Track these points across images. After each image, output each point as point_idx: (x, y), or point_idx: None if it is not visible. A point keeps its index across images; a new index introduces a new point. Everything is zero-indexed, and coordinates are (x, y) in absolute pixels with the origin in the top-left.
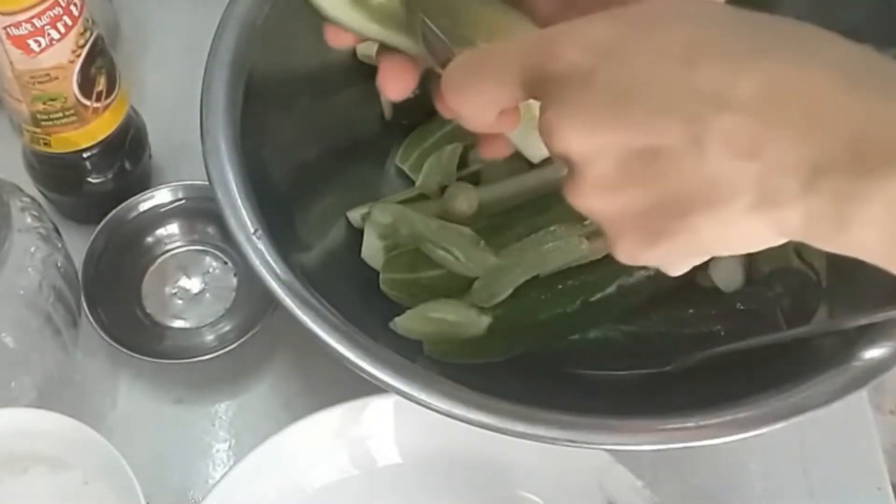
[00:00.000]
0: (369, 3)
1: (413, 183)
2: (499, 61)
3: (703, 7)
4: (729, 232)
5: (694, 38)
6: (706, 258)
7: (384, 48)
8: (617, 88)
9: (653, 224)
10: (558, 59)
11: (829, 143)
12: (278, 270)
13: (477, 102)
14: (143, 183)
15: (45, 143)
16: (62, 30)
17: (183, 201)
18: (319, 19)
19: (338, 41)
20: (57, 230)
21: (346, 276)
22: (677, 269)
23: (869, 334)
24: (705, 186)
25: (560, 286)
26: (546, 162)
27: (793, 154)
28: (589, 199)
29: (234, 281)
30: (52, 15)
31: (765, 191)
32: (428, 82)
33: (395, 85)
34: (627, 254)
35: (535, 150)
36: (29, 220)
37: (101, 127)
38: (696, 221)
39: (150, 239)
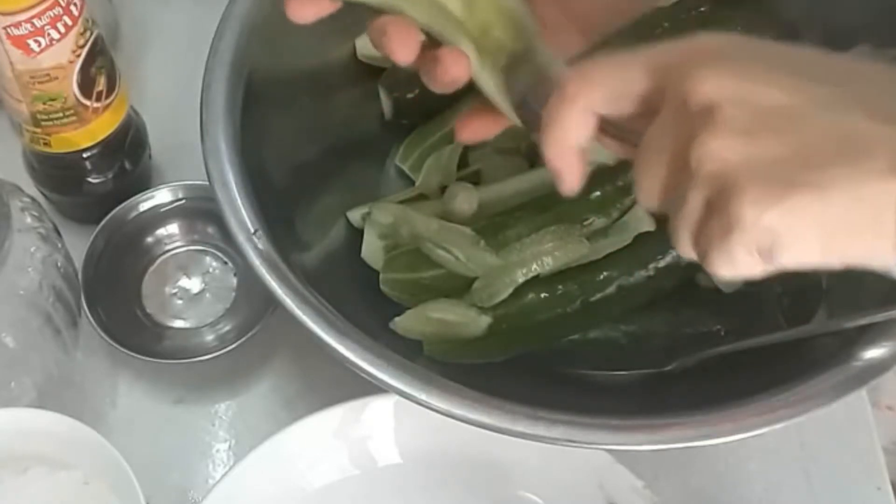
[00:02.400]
0: None
1: (413, 183)
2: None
3: None
4: (861, 192)
5: None
6: (826, 238)
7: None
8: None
9: (788, 173)
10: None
11: None
12: (278, 270)
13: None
14: (143, 183)
15: (45, 143)
16: (62, 30)
17: (183, 201)
18: None
19: (300, 15)
20: (57, 230)
21: (346, 276)
22: (786, 251)
23: (869, 334)
24: (844, 142)
25: (560, 286)
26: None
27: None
28: (723, 142)
29: (234, 281)
30: (52, 15)
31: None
32: (428, 82)
33: (405, 48)
34: (755, 205)
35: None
36: (29, 220)
37: (101, 127)
38: (833, 174)
39: (150, 239)
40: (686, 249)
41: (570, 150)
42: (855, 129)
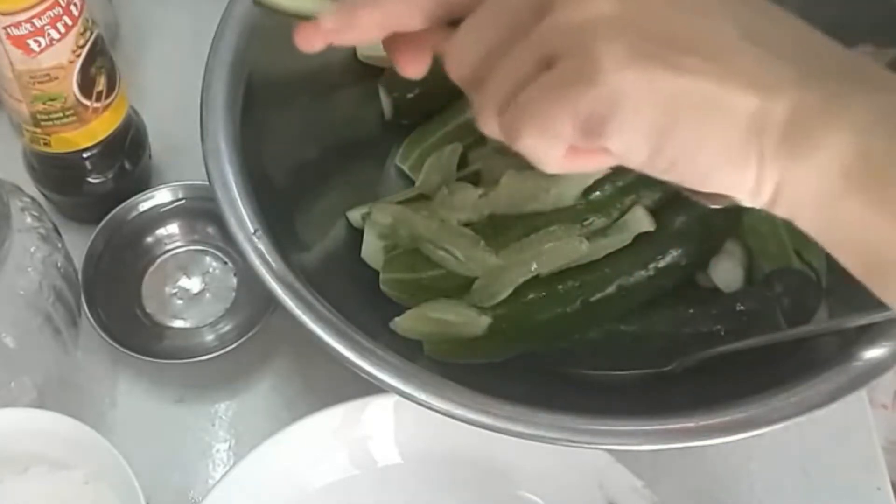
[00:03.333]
0: None
1: (413, 183)
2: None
3: None
4: (715, 94)
5: None
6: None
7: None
8: None
9: (655, 47)
10: None
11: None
12: (278, 270)
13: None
14: (143, 183)
15: (45, 143)
16: (62, 30)
17: (183, 201)
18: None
19: (307, 44)
20: (57, 230)
21: (346, 276)
22: (617, 129)
23: (869, 334)
24: (715, 47)
25: (560, 286)
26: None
27: (789, 51)
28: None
29: (234, 281)
30: (52, 15)
31: (761, 74)
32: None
33: (414, 65)
34: (614, 60)
35: None
36: (29, 220)
37: (101, 127)
38: (698, 66)
39: (150, 239)
40: (489, 122)
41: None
42: (729, 39)
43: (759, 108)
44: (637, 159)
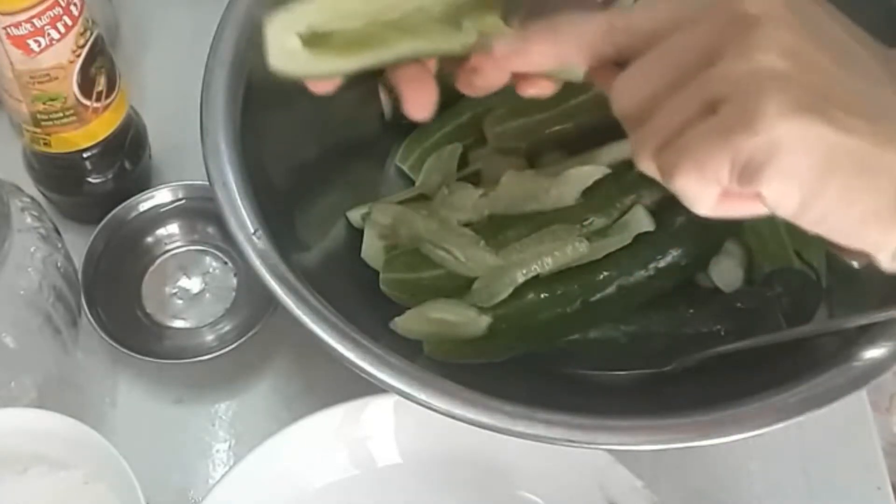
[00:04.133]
0: (330, 40)
1: (413, 183)
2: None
3: None
4: (874, 153)
5: None
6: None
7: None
8: None
9: (818, 102)
10: None
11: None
12: (278, 270)
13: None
14: (143, 183)
15: (45, 143)
16: (62, 30)
17: (183, 201)
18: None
19: (321, 88)
20: (57, 230)
21: (346, 276)
22: (773, 178)
23: (869, 334)
24: (873, 104)
25: (560, 286)
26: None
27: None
28: (767, 55)
29: (234, 281)
30: (52, 15)
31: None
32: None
33: (422, 104)
34: (777, 111)
35: None
36: (29, 220)
37: (101, 127)
38: (857, 123)
39: (150, 239)
40: (646, 159)
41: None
42: (883, 96)
43: None
44: (788, 209)
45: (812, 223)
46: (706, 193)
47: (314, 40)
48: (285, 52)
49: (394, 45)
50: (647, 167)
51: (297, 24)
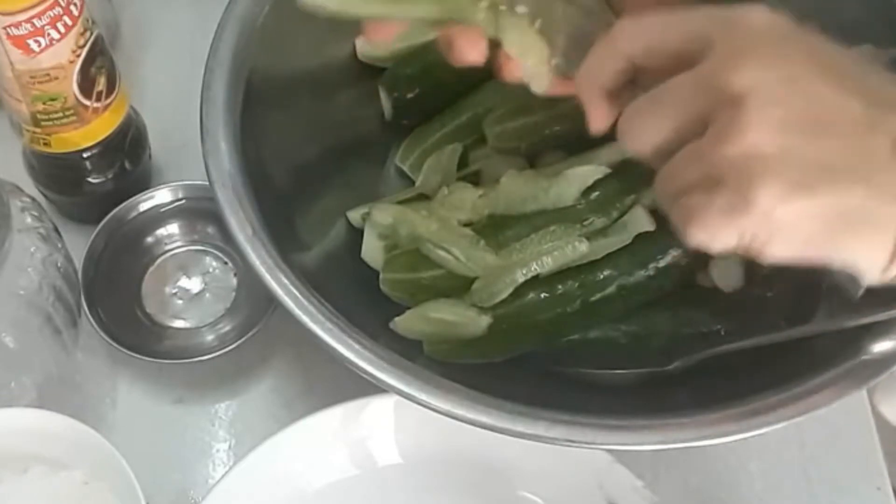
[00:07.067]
0: None
1: (413, 183)
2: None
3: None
4: (870, 202)
5: None
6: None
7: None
8: None
9: (811, 175)
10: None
11: None
12: (278, 270)
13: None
14: (143, 183)
15: (45, 143)
16: (62, 30)
17: (183, 201)
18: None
19: (379, 35)
20: (57, 230)
21: (346, 276)
22: (779, 247)
23: (870, 333)
24: (866, 158)
25: (560, 286)
26: (550, 162)
27: None
28: (759, 134)
29: (234, 281)
30: (52, 15)
31: None
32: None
33: (478, 49)
34: (775, 198)
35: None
36: (29, 220)
37: (101, 127)
38: (846, 185)
39: (150, 239)
40: (665, 201)
41: (599, 87)
42: (881, 157)
43: None
44: (795, 259)
45: (809, 260)
46: (717, 247)
47: None
48: None
49: (420, 4)
50: (664, 206)
51: None
